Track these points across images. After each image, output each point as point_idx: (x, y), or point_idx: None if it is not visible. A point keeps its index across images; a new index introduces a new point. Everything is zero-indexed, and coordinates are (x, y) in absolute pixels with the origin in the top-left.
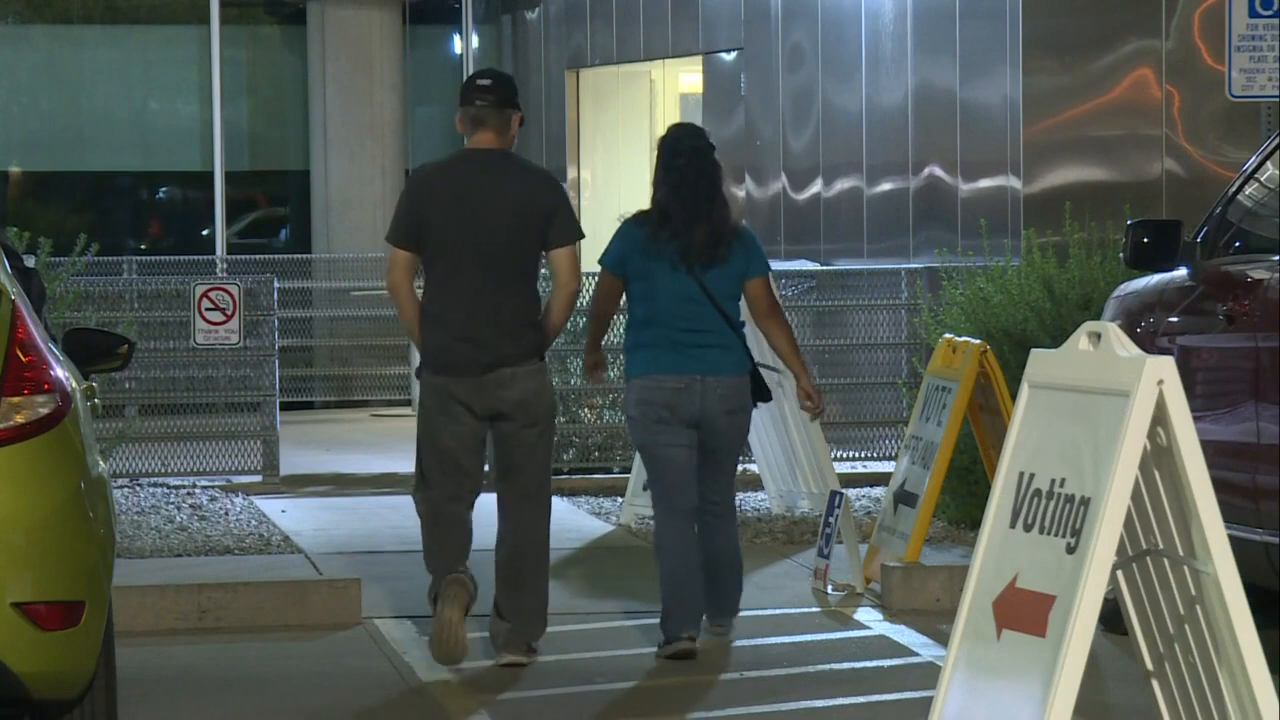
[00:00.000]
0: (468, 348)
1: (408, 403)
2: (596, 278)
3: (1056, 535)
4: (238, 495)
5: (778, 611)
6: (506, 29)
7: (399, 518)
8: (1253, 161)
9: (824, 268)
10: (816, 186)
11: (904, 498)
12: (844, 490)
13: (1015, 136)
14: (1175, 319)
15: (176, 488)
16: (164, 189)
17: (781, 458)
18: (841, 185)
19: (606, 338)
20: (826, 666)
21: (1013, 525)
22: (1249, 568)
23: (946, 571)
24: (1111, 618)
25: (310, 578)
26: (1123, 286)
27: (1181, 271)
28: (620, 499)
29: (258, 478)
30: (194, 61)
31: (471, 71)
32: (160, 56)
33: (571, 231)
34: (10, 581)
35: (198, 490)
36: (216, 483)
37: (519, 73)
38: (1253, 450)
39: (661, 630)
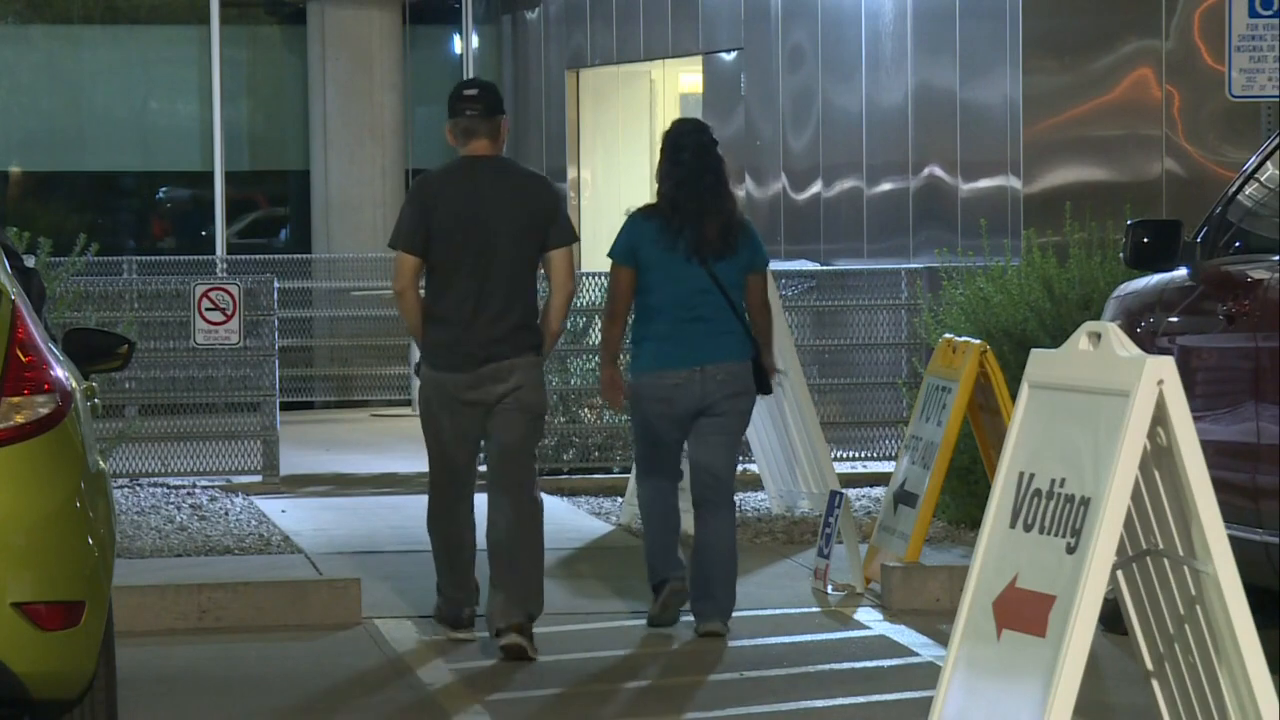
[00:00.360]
0: (468, 346)
1: (408, 403)
2: (608, 274)
3: (1056, 535)
4: (238, 495)
5: (778, 611)
6: (506, 29)
7: (399, 518)
8: (1253, 161)
9: (824, 268)
10: (816, 186)
11: (904, 498)
12: (844, 490)
13: (1015, 136)
14: (1175, 319)
15: (176, 488)
16: (164, 189)
17: (781, 458)
18: (841, 185)
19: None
20: (826, 666)
21: (1013, 525)
22: (1249, 568)
23: (946, 571)
24: (1111, 618)
25: (310, 578)
26: (1123, 286)
27: (1181, 271)
28: (620, 499)
29: (258, 478)
30: (194, 61)
31: (472, 72)
32: (160, 56)
33: (569, 234)
34: (10, 581)
35: (198, 490)
36: (216, 483)
37: (519, 73)
38: (1253, 450)
39: (650, 585)
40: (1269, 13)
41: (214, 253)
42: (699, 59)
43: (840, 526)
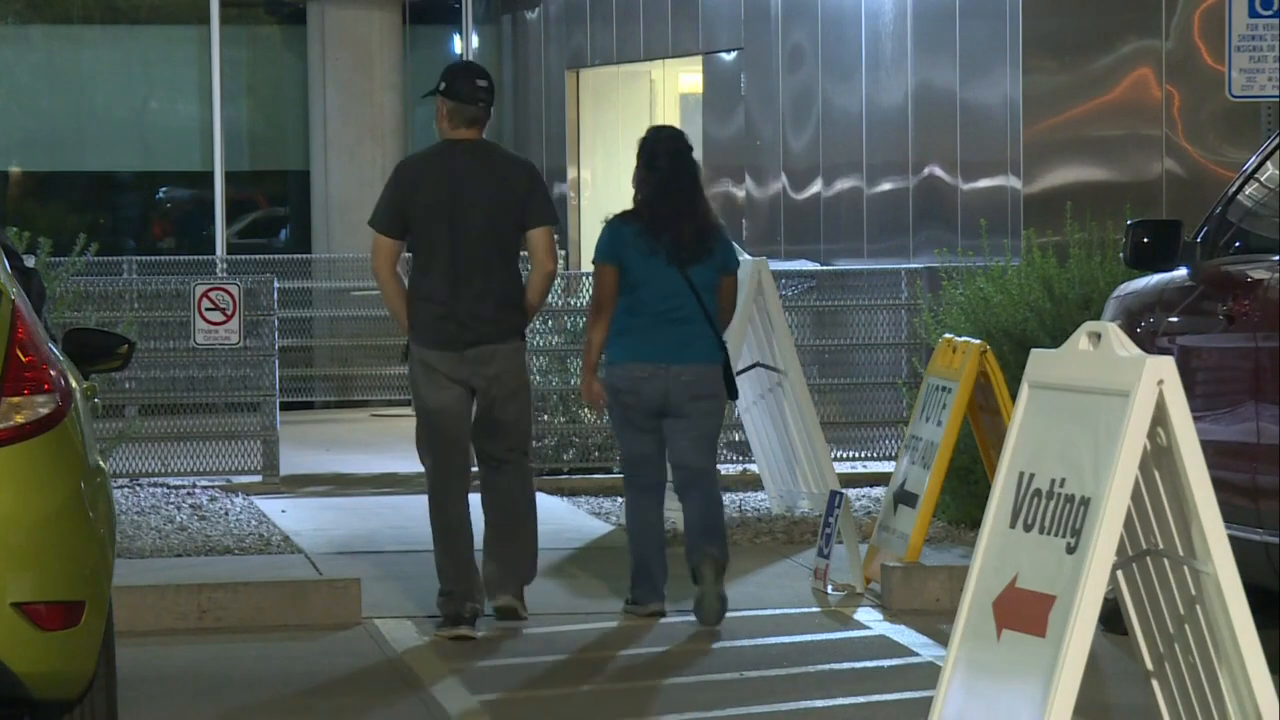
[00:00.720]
0: (453, 325)
1: (408, 402)
2: (592, 277)
3: (1056, 535)
4: (238, 495)
5: (778, 611)
6: (506, 29)
7: (399, 518)
8: (1253, 161)
9: (824, 268)
10: (816, 186)
11: (904, 498)
12: (844, 490)
13: (1015, 136)
14: (1175, 319)
15: (176, 488)
16: (164, 189)
17: (781, 458)
18: (841, 185)
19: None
20: (826, 666)
21: (1013, 525)
22: (1249, 568)
23: (946, 571)
24: (1111, 618)
25: (310, 578)
26: (1123, 286)
27: (1181, 271)
28: (620, 499)
29: (258, 478)
30: (194, 61)
31: None
32: (160, 56)
33: (548, 213)
34: (10, 581)
35: (198, 490)
36: (216, 483)
37: (519, 73)
38: (1253, 450)
39: (631, 594)
40: (1269, 13)
41: (214, 253)
42: (699, 59)
43: (840, 526)
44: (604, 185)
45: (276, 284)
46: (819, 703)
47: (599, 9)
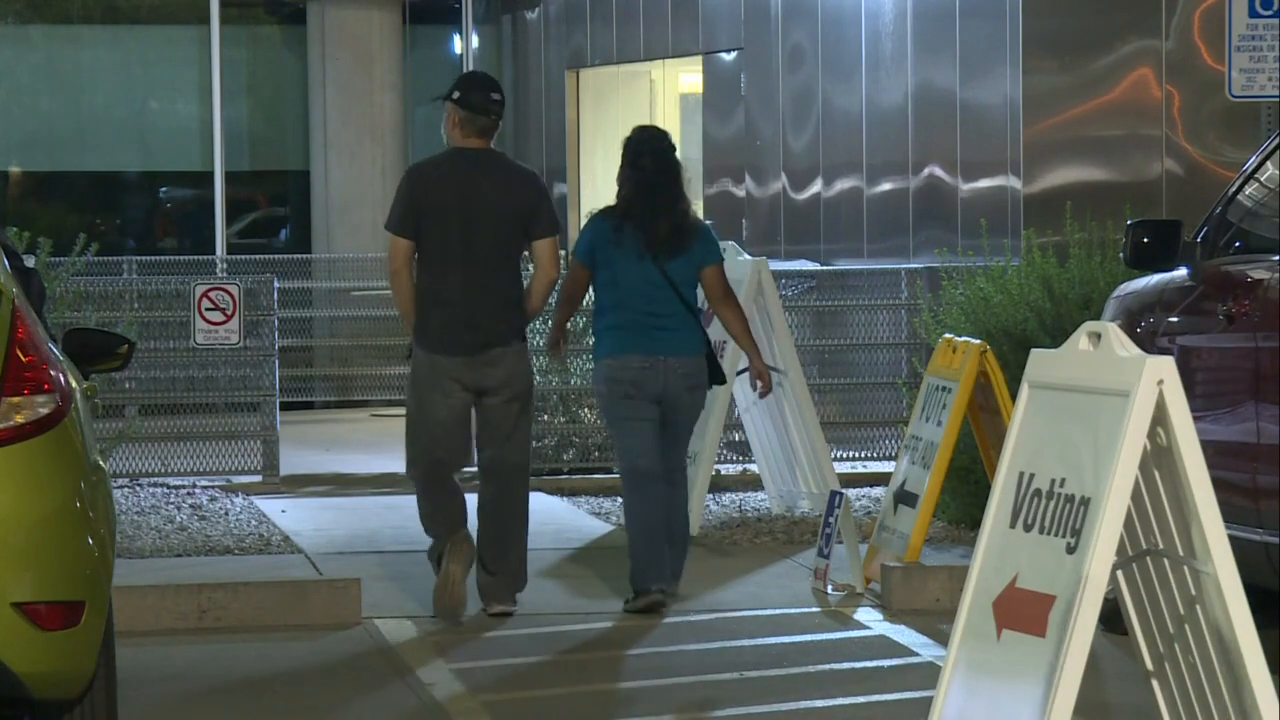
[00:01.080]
0: (461, 328)
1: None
2: (568, 267)
3: (1056, 535)
4: (238, 495)
5: (778, 611)
6: (506, 29)
7: (399, 518)
8: (1253, 161)
9: (824, 268)
10: (816, 186)
11: (904, 498)
12: (844, 490)
13: (1015, 136)
14: (1175, 319)
15: (176, 488)
16: (164, 189)
17: (781, 458)
18: (841, 185)
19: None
20: (826, 666)
21: (1013, 525)
22: (1249, 568)
23: (946, 571)
24: (1111, 618)
25: (310, 578)
26: (1123, 286)
27: (1181, 271)
28: (620, 499)
29: (258, 478)
30: (194, 61)
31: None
32: (160, 56)
33: (553, 225)
34: (10, 581)
35: (198, 490)
36: (216, 483)
37: (519, 73)
38: (1253, 450)
39: (632, 585)
40: (1269, 13)
41: (214, 253)
42: (699, 59)
43: (840, 526)
44: (604, 185)
45: (276, 284)
46: (819, 703)
47: (599, 9)
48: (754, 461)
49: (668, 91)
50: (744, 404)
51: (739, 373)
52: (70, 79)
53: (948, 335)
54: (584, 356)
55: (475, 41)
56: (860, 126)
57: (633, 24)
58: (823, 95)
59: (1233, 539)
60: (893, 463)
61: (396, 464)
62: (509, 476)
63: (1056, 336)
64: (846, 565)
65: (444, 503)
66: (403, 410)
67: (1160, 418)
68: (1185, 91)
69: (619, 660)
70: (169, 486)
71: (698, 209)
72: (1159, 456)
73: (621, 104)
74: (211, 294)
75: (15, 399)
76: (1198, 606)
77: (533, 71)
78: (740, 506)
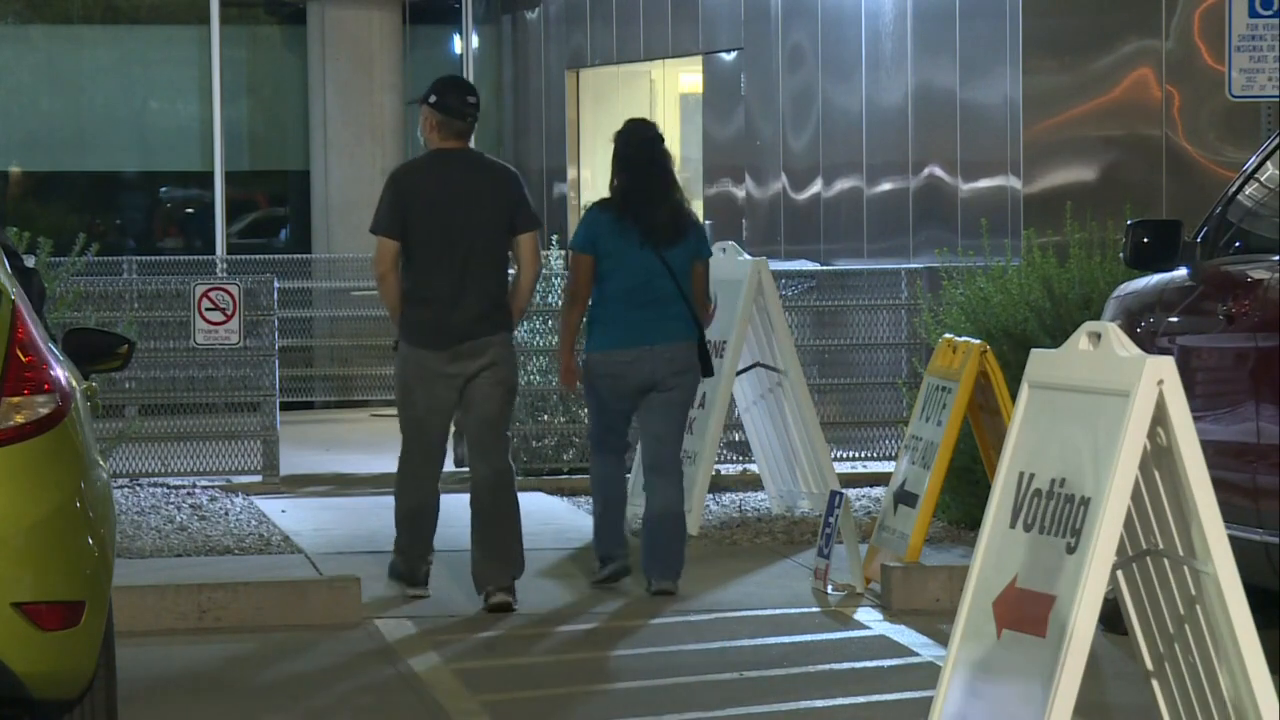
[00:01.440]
0: (449, 325)
1: None
2: (570, 263)
3: (1056, 535)
4: (238, 495)
5: (778, 611)
6: (506, 29)
7: None
8: (1253, 161)
9: (824, 268)
10: (816, 186)
11: (904, 498)
12: (844, 490)
13: (1015, 136)
14: (1175, 319)
15: (176, 488)
16: (164, 189)
17: (781, 458)
18: (841, 185)
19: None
20: (826, 666)
21: (1013, 525)
22: (1249, 568)
23: (946, 571)
24: (1111, 618)
25: (310, 578)
26: (1123, 286)
27: (1181, 271)
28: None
29: (258, 478)
30: (194, 61)
31: (472, 72)
32: (160, 56)
33: (533, 219)
34: (10, 581)
35: (198, 490)
36: (216, 483)
37: (519, 73)
38: (1253, 450)
39: (596, 555)
40: (1269, 13)
41: (214, 253)
42: (699, 59)
43: (840, 526)
44: (604, 185)
45: (276, 284)
46: (819, 703)
47: (599, 9)
48: (754, 461)
49: (668, 91)
50: (744, 404)
51: (739, 373)
52: (70, 79)
53: (948, 335)
54: (582, 356)
55: (475, 41)
56: (860, 126)
57: (633, 24)
58: (823, 95)
59: (1233, 539)
60: (893, 463)
61: (396, 464)
62: (498, 461)
63: (1056, 336)
64: (846, 565)
65: (422, 485)
66: None
67: (1160, 418)
68: (1185, 91)
69: (619, 660)
70: (169, 486)
71: (697, 209)
72: (1159, 456)
73: (621, 104)
74: (211, 294)
75: (15, 399)
76: (1198, 606)
77: (533, 71)
78: (740, 506)
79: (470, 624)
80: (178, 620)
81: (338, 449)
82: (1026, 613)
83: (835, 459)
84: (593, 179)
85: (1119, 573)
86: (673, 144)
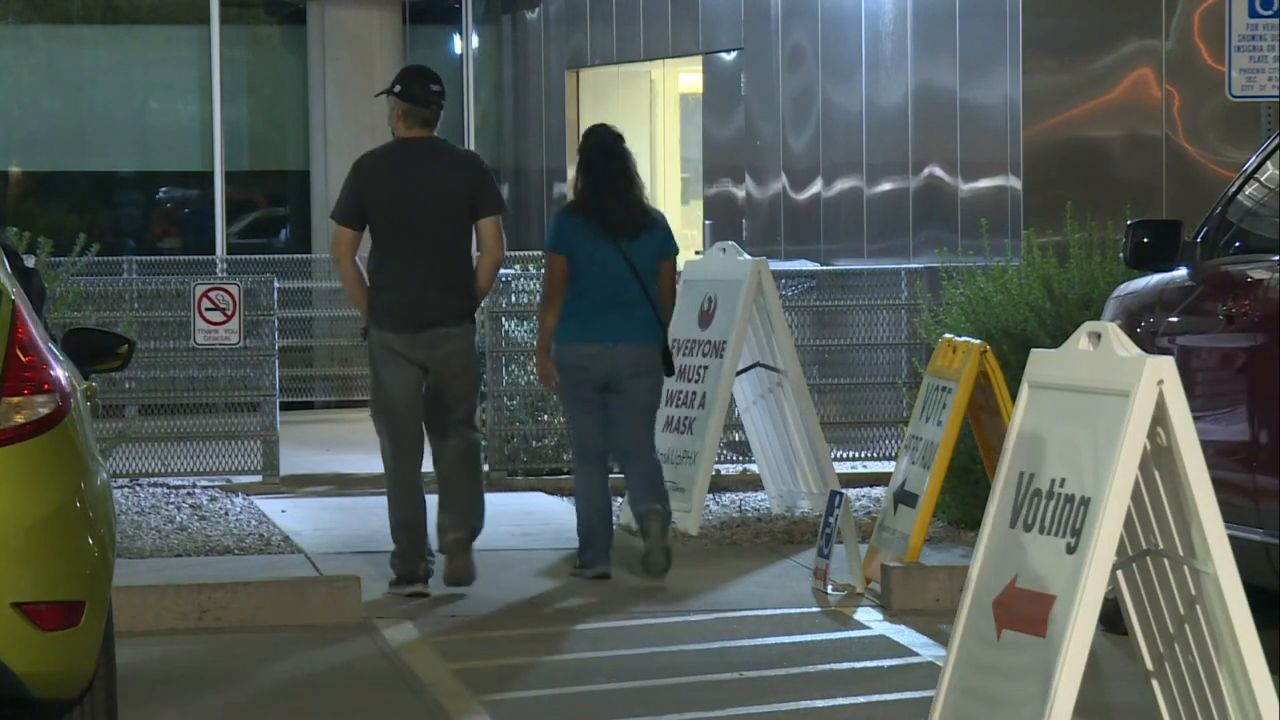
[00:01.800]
0: (410, 308)
1: None
2: (544, 265)
3: (1056, 535)
4: (238, 495)
5: (778, 611)
6: (506, 29)
7: None
8: (1253, 161)
9: (824, 268)
10: (816, 186)
11: (904, 498)
12: (844, 490)
13: (1015, 136)
14: (1175, 319)
15: (176, 488)
16: (164, 189)
17: (781, 458)
18: (841, 185)
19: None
20: (826, 666)
21: (1013, 525)
22: (1249, 568)
23: (946, 571)
24: (1111, 618)
25: (310, 577)
26: (1123, 286)
27: (1181, 271)
28: (620, 499)
29: (258, 478)
30: (194, 61)
31: (472, 72)
32: (160, 56)
33: (497, 204)
34: (10, 581)
35: (198, 490)
36: (216, 483)
37: (519, 73)
38: (1253, 450)
39: (579, 558)
40: (1269, 13)
41: (214, 253)
42: (699, 59)
43: (840, 526)
44: None
45: (276, 284)
46: (819, 703)
47: (599, 9)
48: (754, 461)
49: (668, 91)
50: (744, 404)
51: (739, 373)
52: (70, 79)
53: (948, 335)
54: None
55: (475, 41)
56: (860, 126)
57: (633, 24)
58: (823, 95)
59: (1233, 539)
60: (893, 463)
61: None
62: (458, 432)
63: (1056, 336)
64: (846, 565)
65: (410, 495)
66: None
67: (1160, 418)
68: (1185, 91)
69: (619, 660)
70: (169, 486)
71: (697, 209)
72: (1159, 456)
73: (621, 104)
74: (211, 294)
75: (15, 399)
76: (1198, 606)
77: (533, 71)
78: (740, 506)
79: (470, 624)
80: (178, 620)
81: (338, 449)
82: (1026, 613)
83: (835, 459)
84: None
85: (1119, 573)
86: (672, 144)
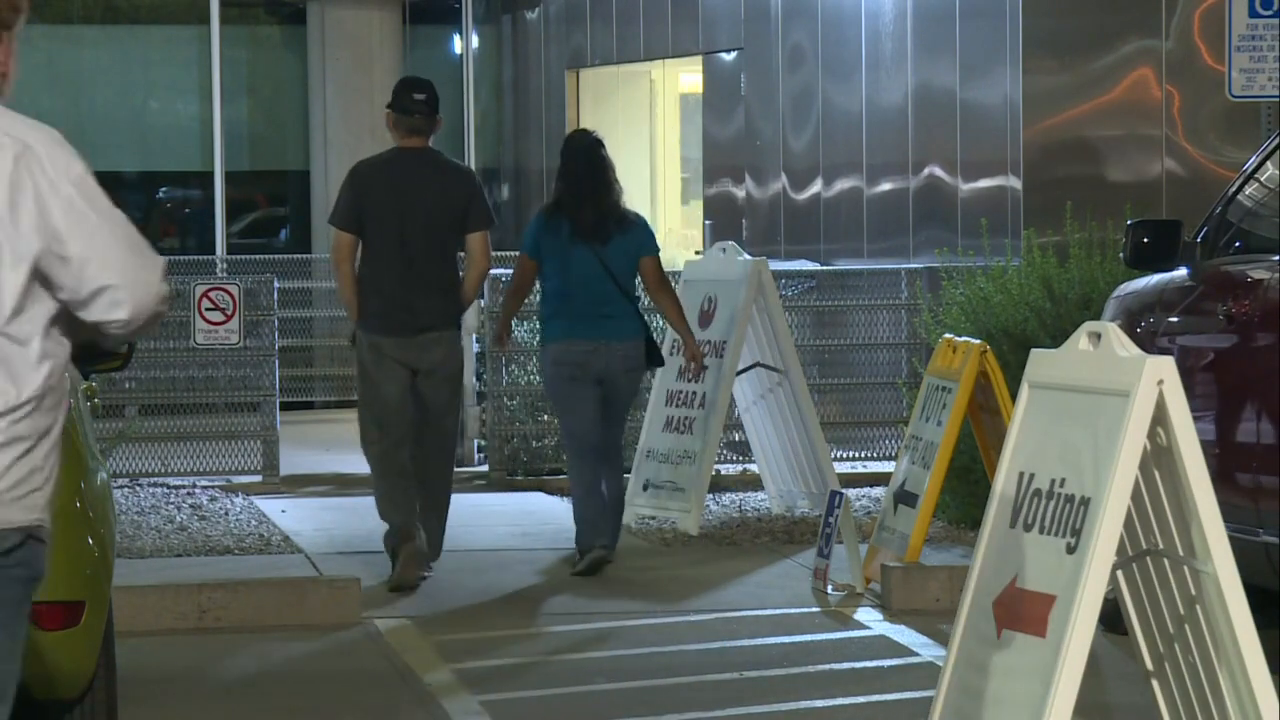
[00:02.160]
0: (400, 313)
1: None
2: (516, 262)
3: (1056, 535)
4: (238, 495)
5: (778, 611)
6: (506, 29)
7: None
8: (1253, 161)
9: (824, 268)
10: (816, 186)
11: (904, 498)
12: (844, 490)
13: (1015, 136)
14: (1175, 319)
15: (176, 488)
16: (164, 189)
17: (781, 458)
18: (841, 185)
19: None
20: (826, 666)
21: (1013, 525)
22: (1249, 568)
23: (946, 571)
24: (1111, 618)
25: (310, 577)
26: (1123, 286)
27: (1181, 271)
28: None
29: (258, 478)
30: (194, 61)
31: (472, 72)
32: (160, 56)
33: (485, 219)
34: None
35: (198, 490)
36: (216, 483)
37: (519, 73)
38: (1253, 450)
39: (576, 548)
40: (1269, 13)
41: (214, 253)
42: (699, 59)
43: (840, 526)
44: None
45: (276, 284)
46: (819, 703)
47: (599, 9)
48: (754, 461)
49: (668, 91)
50: (744, 404)
51: (739, 372)
52: (70, 79)
53: (948, 335)
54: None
55: (475, 41)
56: (860, 126)
57: (633, 24)
58: (823, 95)
59: (1233, 539)
60: (893, 463)
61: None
62: (437, 447)
63: (1056, 336)
64: (846, 565)
65: (397, 488)
66: None
67: (1160, 418)
68: (1185, 91)
69: (619, 660)
70: (169, 486)
71: (697, 209)
72: (1159, 456)
73: (621, 104)
74: (211, 294)
75: None
76: (1198, 606)
77: (533, 71)
78: (740, 506)
79: (470, 624)
80: (178, 620)
81: (338, 449)
82: (1026, 613)
83: (835, 459)
84: None
85: (1119, 573)
86: (672, 144)
